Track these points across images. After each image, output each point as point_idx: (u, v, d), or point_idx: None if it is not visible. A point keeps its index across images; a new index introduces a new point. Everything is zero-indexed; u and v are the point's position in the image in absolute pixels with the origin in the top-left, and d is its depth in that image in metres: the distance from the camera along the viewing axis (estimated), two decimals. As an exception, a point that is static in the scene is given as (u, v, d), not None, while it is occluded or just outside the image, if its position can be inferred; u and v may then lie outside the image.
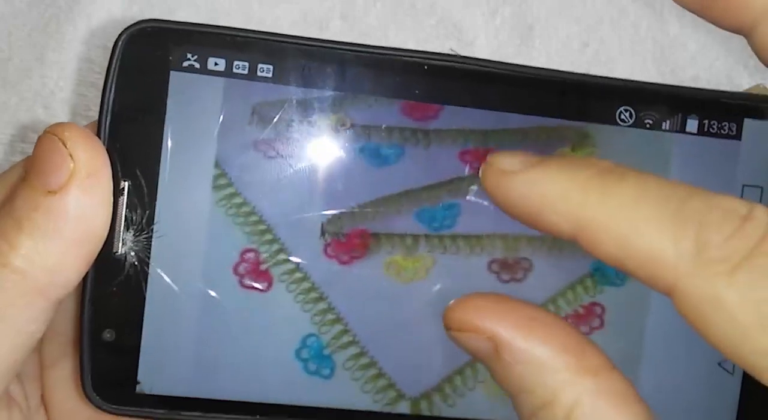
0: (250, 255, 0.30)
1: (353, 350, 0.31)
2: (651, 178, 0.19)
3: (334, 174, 0.30)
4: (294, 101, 0.29)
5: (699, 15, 0.23)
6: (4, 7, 0.33)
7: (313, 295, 0.31)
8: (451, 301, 0.21)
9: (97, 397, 0.26)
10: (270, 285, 0.31)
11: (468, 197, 0.31)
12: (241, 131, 0.29)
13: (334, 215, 0.31)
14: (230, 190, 0.30)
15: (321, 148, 0.30)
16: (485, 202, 0.31)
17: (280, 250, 0.31)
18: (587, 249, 0.20)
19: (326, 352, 0.31)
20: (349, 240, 0.31)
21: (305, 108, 0.29)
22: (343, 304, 0.31)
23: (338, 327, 0.31)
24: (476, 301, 0.21)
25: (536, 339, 0.20)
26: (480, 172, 0.21)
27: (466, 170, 0.31)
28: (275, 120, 0.29)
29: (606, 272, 0.32)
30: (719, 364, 0.30)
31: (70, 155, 0.23)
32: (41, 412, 0.28)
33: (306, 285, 0.31)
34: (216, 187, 0.30)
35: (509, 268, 0.31)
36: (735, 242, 0.18)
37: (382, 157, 0.31)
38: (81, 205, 0.23)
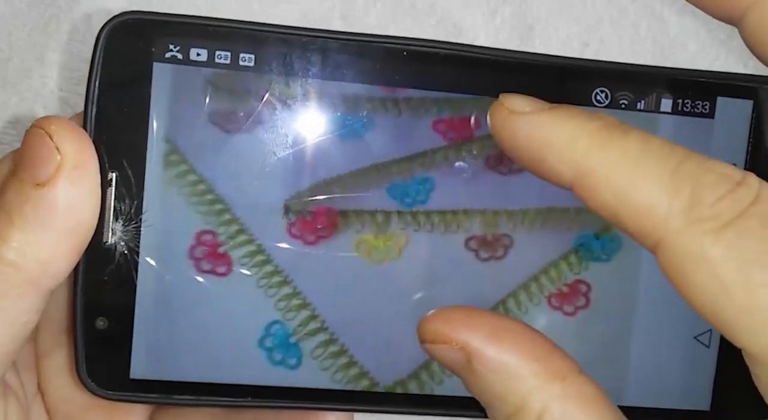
0: (207, 237, 0.28)
1: (322, 337, 0.29)
2: (653, 137, 0.20)
3: (297, 148, 0.28)
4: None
5: (692, 3, 0.24)
6: (4, 7, 0.33)
7: (277, 278, 0.28)
8: (425, 315, 0.22)
9: (92, 383, 0.26)
10: (229, 269, 0.28)
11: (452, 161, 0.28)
12: (195, 104, 0.27)
13: (298, 192, 0.28)
14: (184, 167, 0.28)
15: (283, 121, 0.28)
16: (466, 168, 0.29)
17: (240, 231, 0.28)
18: (582, 197, 0.20)
19: (292, 340, 0.29)
20: (315, 218, 0.28)
21: (266, 82, 0.27)
22: (310, 288, 0.29)
23: (305, 313, 0.29)
24: (448, 314, 0.21)
25: (504, 347, 0.21)
26: (489, 112, 0.22)
27: (441, 141, 0.29)
28: (233, 93, 0.27)
29: (591, 247, 0.30)
30: (695, 337, 0.29)
31: (57, 148, 0.23)
32: (38, 400, 0.28)
33: (269, 268, 0.28)
34: (168, 165, 0.27)
35: (488, 246, 0.29)
36: (726, 203, 0.19)
37: (348, 129, 0.28)
38: (69, 197, 0.23)
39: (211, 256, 0.28)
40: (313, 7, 0.26)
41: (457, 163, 0.29)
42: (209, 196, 0.28)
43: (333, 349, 0.29)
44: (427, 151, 0.29)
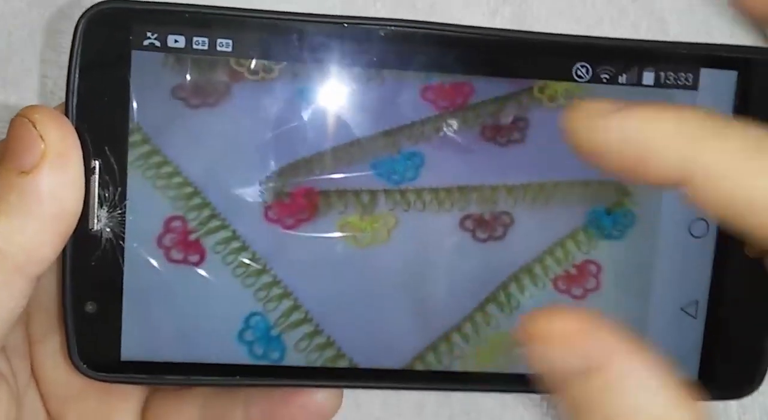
0: (177, 224, 0.26)
1: (306, 329, 0.27)
2: (759, 128, 0.18)
3: (273, 126, 0.26)
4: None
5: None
6: (4, 7, 0.32)
7: (255, 267, 0.26)
8: (534, 310, 0.19)
9: (84, 366, 0.26)
10: (202, 258, 0.26)
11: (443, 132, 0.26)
12: (173, 90, 0.25)
13: (274, 172, 0.26)
14: (147, 147, 0.25)
15: (259, 100, 0.25)
16: (459, 139, 0.26)
17: (212, 217, 0.26)
18: (695, 197, 0.19)
19: (274, 332, 0.26)
20: (294, 200, 0.26)
21: (241, 64, 0.25)
22: (291, 276, 0.26)
23: (287, 303, 0.26)
24: (575, 315, 0.19)
25: (642, 366, 0.19)
26: (563, 117, 0.20)
27: (431, 110, 0.26)
28: (210, 77, 0.25)
29: (602, 224, 0.27)
30: (682, 309, 0.28)
31: (41, 136, 0.23)
32: (32, 387, 0.28)
33: (246, 256, 0.26)
34: (131, 145, 0.25)
35: (486, 225, 0.27)
36: None
37: (328, 102, 0.26)
38: (54, 184, 0.23)
39: (182, 244, 0.26)
40: (313, 7, 0.26)
41: (449, 135, 0.26)
42: (178, 179, 0.25)
43: (318, 341, 0.27)
44: (415, 122, 0.26)
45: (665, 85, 0.27)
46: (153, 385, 0.28)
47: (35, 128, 0.23)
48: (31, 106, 0.24)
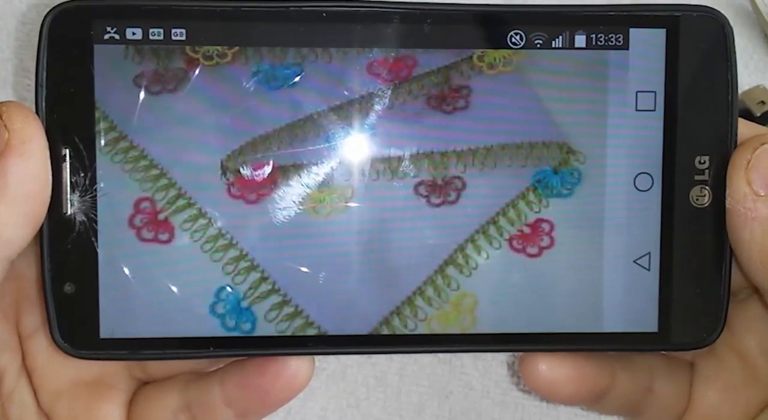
0: (146, 204, 0.27)
1: (275, 299, 0.28)
2: None
3: (229, 104, 0.27)
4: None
5: None
6: (4, 7, 0.34)
7: (222, 241, 0.28)
8: None
9: (66, 345, 0.27)
10: (172, 236, 0.27)
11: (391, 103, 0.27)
12: (132, 78, 0.27)
13: (234, 150, 0.27)
14: (114, 134, 0.27)
15: (212, 78, 0.27)
16: (407, 110, 0.28)
17: (179, 196, 0.27)
18: None
19: (244, 304, 0.28)
20: (255, 176, 0.27)
21: (195, 50, 0.27)
22: (257, 249, 0.28)
23: (254, 275, 0.28)
24: None
25: None
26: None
27: (378, 84, 0.28)
28: (167, 64, 0.27)
29: (550, 183, 0.28)
30: (635, 261, 0.28)
31: (5, 125, 0.25)
32: (23, 381, 0.28)
33: (212, 231, 0.28)
34: (99, 133, 0.27)
35: (439, 190, 0.28)
36: None
37: (279, 79, 0.27)
38: (19, 169, 0.25)
39: (152, 224, 0.27)
40: None
41: (397, 106, 0.28)
42: (144, 162, 0.27)
43: (287, 310, 0.28)
44: (363, 96, 0.28)
45: (597, 47, 0.28)
46: (131, 361, 0.29)
47: (1, 119, 0.25)
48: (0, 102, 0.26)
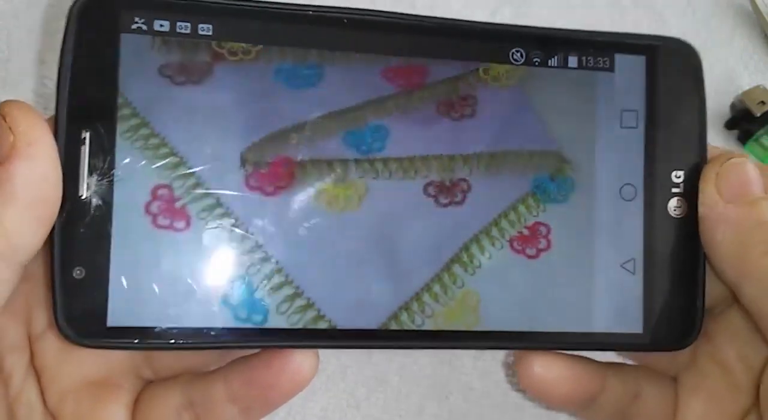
0: (163, 192, 0.27)
1: (287, 291, 0.28)
2: None
3: (251, 98, 0.28)
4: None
5: None
6: (3, 7, 0.33)
7: (238, 232, 0.28)
8: None
9: (71, 332, 0.26)
10: (188, 224, 0.27)
11: (404, 108, 0.29)
12: (156, 68, 0.28)
13: (254, 143, 0.28)
14: (136, 120, 0.27)
15: (235, 73, 0.28)
16: (418, 114, 0.29)
17: (197, 185, 0.28)
18: None
19: (257, 295, 0.28)
20: (273, 169, 0.28)
21: (221, 45, 0.28)
22: (272, 241, 0.28)
23: (268, 267, 0.28)
24: None
25: None
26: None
27: (391, 88, 0.29)
28: (192, 56, 0.28)
29: (547, 189, 0.30)
30: (621, 265, 0.30)
31: (10, 128, 0.24)
32: (30, 381, 0.28)
33: (229, 222, 0.28)
34: (120, 118, 0.27)
35: (447, 191, 0.29)
36: None
37: (300, 78, 0.29)
38: (27, 172, 0.24)
39: (169, 211, 0.27)
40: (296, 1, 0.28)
41: (410, 110, 0.29)
42: (164, 150, 0.27)
43: (299, 303, 0.28)
44: (378, 98, 0.29)
45: (587, 68, 0.31)
46: (139, 350, 0.28)
47: (5, 121, 0.24)
48: (3, 102, 0.25)
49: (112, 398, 0.28)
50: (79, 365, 0.28)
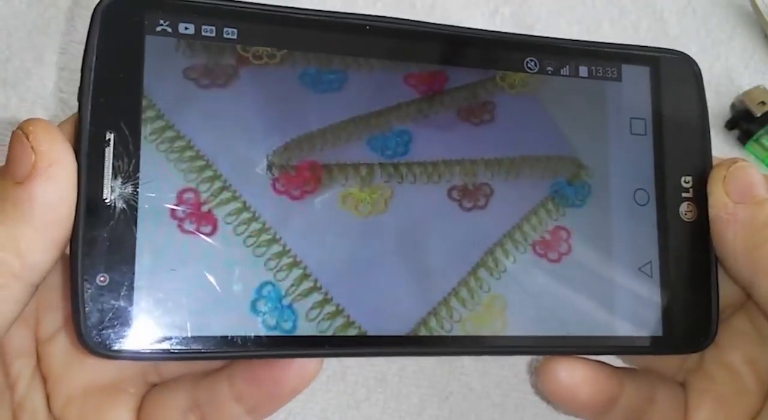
0: (189, 195, 0.27)
1: (316, 297, 0.27)
2: None
3: (276, 102, 0.28)
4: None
5: None
6: (4, 7, 0.33)
7: (265, 236, 0.27)
8: None
9: (94, 341, 0.25)
10: (215, 228, 0.27)
11: (426, 113, 0.29)
12: (182, 71, 0.27)
13: (279, 146, 0.28)
14: (161, 122, 0.26)
15: (261, 77, 0.28)
16: (440, 119, 0.29)
17: (223, 189, 0.27)
18: None
19: (286, 301, 0.27)
20: (299, 173, 0.28)
21: (246, 49, 0.28)
22: (300, 245, 0.27)
23: (297, 271, 0.27)
24: None
25: None
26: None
27: (413, 94, 0.29)
28: (218, 60, 0.27)
29: (565, 193, 0.30)
30: (640, 269, 0.31)
31: (32, 147, 0.24)
32: (35, 387, 0.27)
33: (256, 226, 0.27)
34: (145, 120, 0.26)
35: (470, 195, 0.29)
36: None
37: (324, 83, 0.28)
38: (46, 193, 0.24)
39: (195, 216, 0.26)
40: (314, 7, 0.29)
41: (431, 115, 0.29)
42: (189, 153, 0.27)
43: (329, 309, 0.27)
44: (401, 103, 0.29)
45: (596, 77, 0.32)
46: (168, 361, 0.27)
47: (27, 140, 0.24)
48: (28, 119, 0.25)
49: (117, 403, 0.27)
50: (85, 370, 0.27)
